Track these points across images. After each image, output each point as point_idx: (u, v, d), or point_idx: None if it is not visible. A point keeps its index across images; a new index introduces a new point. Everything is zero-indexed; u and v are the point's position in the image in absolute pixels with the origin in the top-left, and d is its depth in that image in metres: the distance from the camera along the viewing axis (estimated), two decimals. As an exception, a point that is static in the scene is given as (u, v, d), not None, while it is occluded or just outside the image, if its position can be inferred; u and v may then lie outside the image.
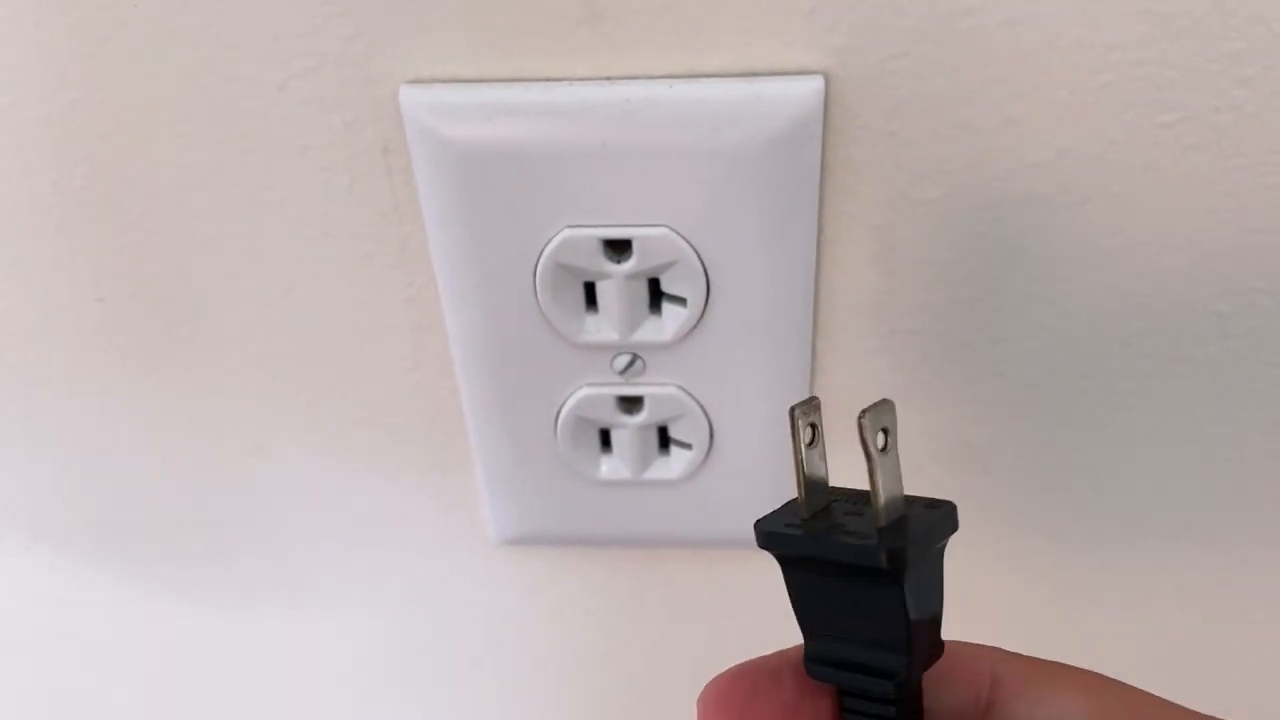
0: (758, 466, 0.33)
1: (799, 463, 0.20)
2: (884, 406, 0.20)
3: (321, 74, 0.28)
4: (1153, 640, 0.39)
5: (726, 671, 0.21)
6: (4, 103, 0.29)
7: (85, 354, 0.34)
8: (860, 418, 0.19)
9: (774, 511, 0.21)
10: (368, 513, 0.37)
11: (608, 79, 0.27)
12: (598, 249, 0.29)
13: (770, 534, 0.20)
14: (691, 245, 0.28)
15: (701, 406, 0.32)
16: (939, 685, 0.21)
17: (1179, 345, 0.31)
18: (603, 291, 0.30)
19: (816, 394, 0.32)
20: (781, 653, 0.22)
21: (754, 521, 0.21)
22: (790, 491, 0.21)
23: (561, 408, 0.32)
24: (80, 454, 0.37)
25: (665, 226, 0.28)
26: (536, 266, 0.29)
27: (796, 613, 0.21)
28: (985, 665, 0.21)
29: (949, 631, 0.21)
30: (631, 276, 0.29)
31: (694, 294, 0.29)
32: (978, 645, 0.22)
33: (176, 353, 0.34)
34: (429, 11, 0.27)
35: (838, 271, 0.30)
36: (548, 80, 0.27)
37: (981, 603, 0.38)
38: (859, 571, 0.19)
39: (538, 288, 0.29)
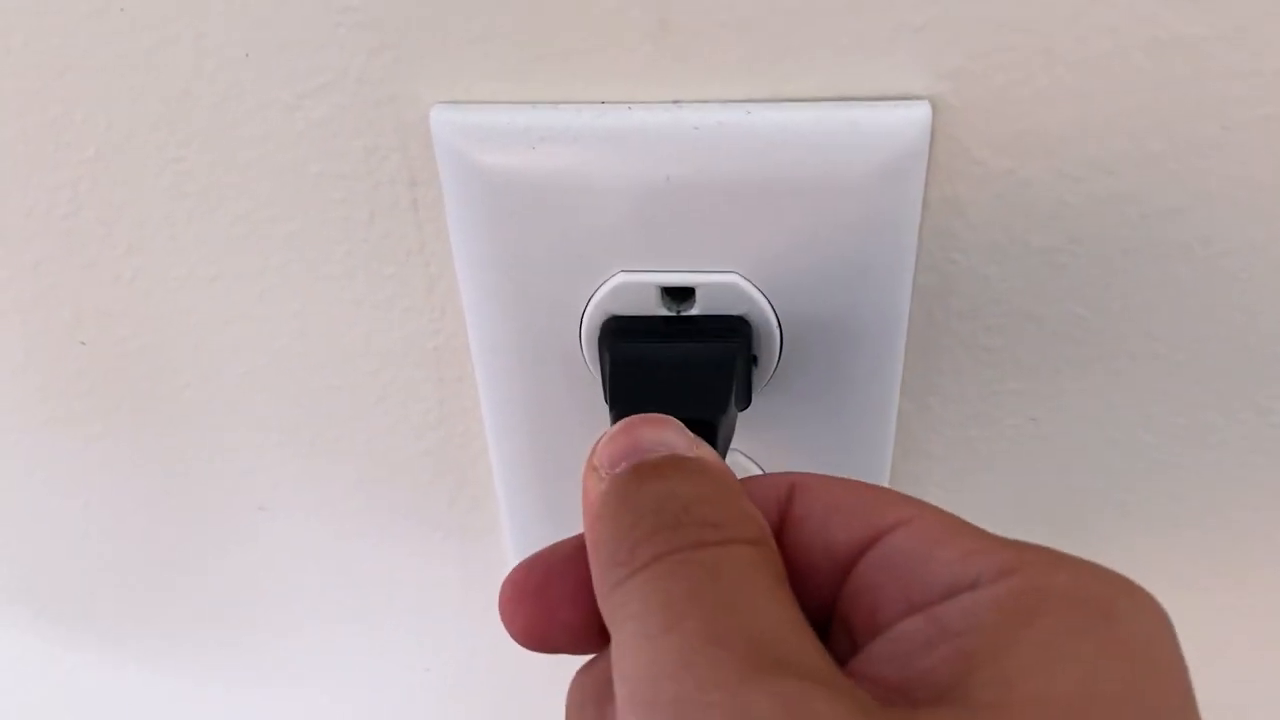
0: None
1: None
2: None
3: (339, 91, 0.25)
4: None
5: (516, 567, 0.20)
6: (-27, 119, 0.26)
7: (67, 400, 0.31)
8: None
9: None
10: (384, 582, 0.35)
11: (674, 102, 0.24)
12: (655, 297, 0.25)
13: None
14: (765, 296, 0.25)
15: (766, 475, 0.28)
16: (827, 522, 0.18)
17: (1318, 413, 0.27)
18: (659, 345, 0.26)
19: (905, 463, 0.29)
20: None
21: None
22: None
23: (606, 472, 0.29)
24: (62, 509, 0.34)
25: (735, 273, 0.25)
26: (583, 315, 0.26)
27: (616, 401, 0.24)
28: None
29: None
30: (694, 329, 0.25)
31: (766, 352, 0.26)
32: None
33: (171, 403, 0.31)
34: (465, 22, 0.23)
35: (934, 326, 0.26)
36: (603, 103, 0.24)
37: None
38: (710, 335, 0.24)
39: (583, 339, 0.26)
